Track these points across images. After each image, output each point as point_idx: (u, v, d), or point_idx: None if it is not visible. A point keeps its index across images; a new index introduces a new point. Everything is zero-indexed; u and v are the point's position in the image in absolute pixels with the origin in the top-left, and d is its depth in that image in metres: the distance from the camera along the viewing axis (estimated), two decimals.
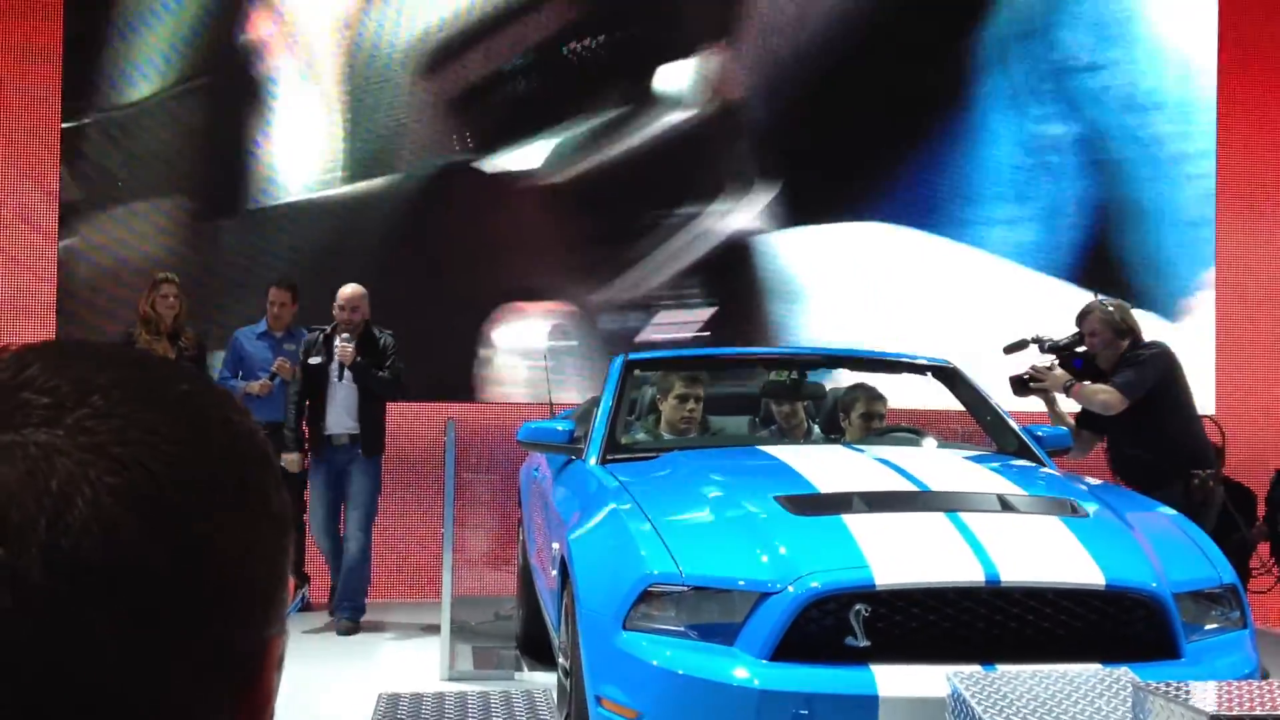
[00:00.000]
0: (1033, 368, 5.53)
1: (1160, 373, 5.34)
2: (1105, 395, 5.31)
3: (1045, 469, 4.79)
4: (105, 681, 0.55)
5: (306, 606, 7.05)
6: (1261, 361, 8.39)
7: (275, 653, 0.62)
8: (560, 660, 4.40)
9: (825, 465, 4.44)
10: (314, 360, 6.62)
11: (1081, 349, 5.60)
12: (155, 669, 0.56)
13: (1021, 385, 5.56)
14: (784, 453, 4.65)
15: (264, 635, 0.61)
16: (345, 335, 6.50)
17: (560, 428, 5.06)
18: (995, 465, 4.58)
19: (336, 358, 6.52)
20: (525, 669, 5.90)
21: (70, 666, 0.54)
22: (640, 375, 5.69)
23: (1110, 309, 5.49)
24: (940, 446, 5.23)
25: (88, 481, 0.55)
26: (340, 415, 6.58)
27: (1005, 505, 3.93)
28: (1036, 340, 5.70)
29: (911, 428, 5.82)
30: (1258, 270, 8.35)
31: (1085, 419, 5.55)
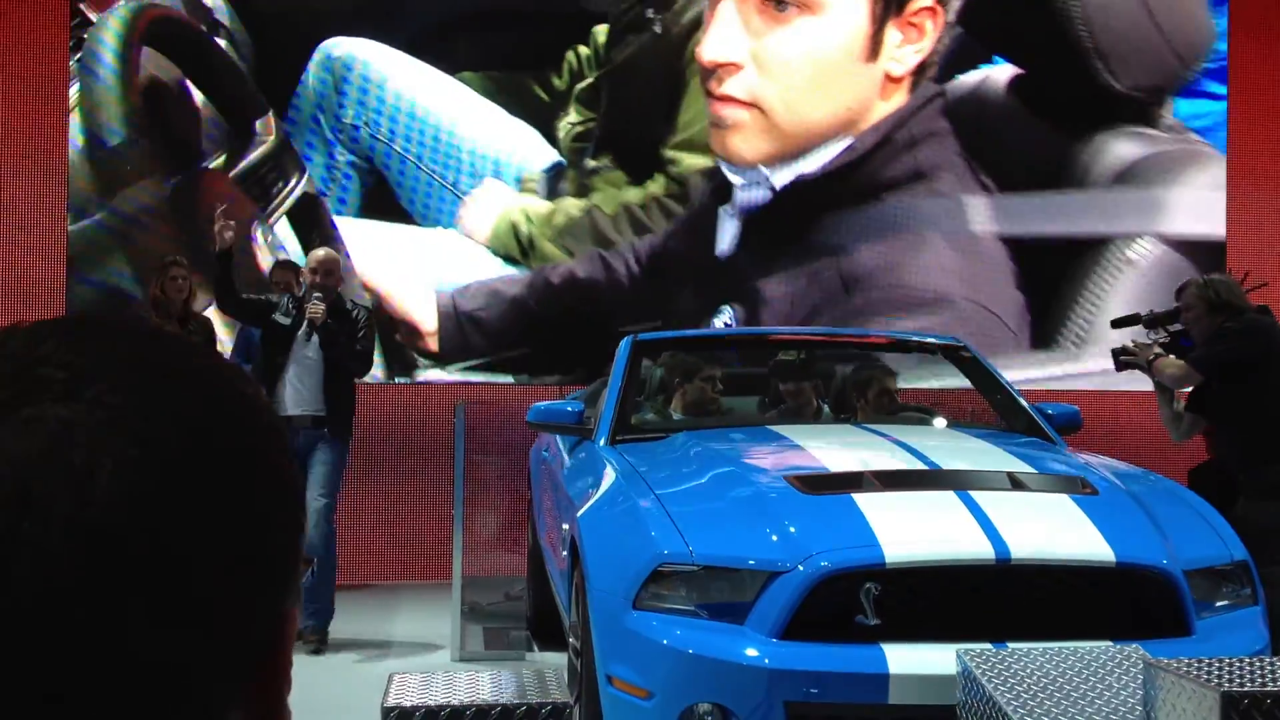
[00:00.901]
0: (1133, 342, 5.32)
1: (1245, 348, 4.99)
2: (1174, 369, 5.08)
3: (1056, 447, 4.79)
4: (128, 654, 0.55)
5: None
6: None
7: (292, 624, 0.62)
8: (571, 640, 4.41)
9: (836, 444, 4.44)
10: (282, 319, 5.98)
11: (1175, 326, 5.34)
12: (178, 641, 0.56)
13: (1116, 359, 5.35)
14: (794, 432, 4.65)
15: (281, 606, 0.61)
16: (318, 295, 5.98)
17: (570, 408, 5.07)
18: (1005, 444, 4.56)
19: (307, 317, 5.92)
20: (536, 649, 5.91)
21: (94, 640, 0.54)
22: (663, 356, 5.69)
23: (1206, 284, 5.15)
24: (950, 426, 5.23)
25: (109, 454, 0.55)
26: (300, 391, 5.93)
27: (1015, 483, 3.92)
28: (1146, 315, 5.53)
29: (922, 407, 5.81)
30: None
31: (1193, 402, 5.25)
